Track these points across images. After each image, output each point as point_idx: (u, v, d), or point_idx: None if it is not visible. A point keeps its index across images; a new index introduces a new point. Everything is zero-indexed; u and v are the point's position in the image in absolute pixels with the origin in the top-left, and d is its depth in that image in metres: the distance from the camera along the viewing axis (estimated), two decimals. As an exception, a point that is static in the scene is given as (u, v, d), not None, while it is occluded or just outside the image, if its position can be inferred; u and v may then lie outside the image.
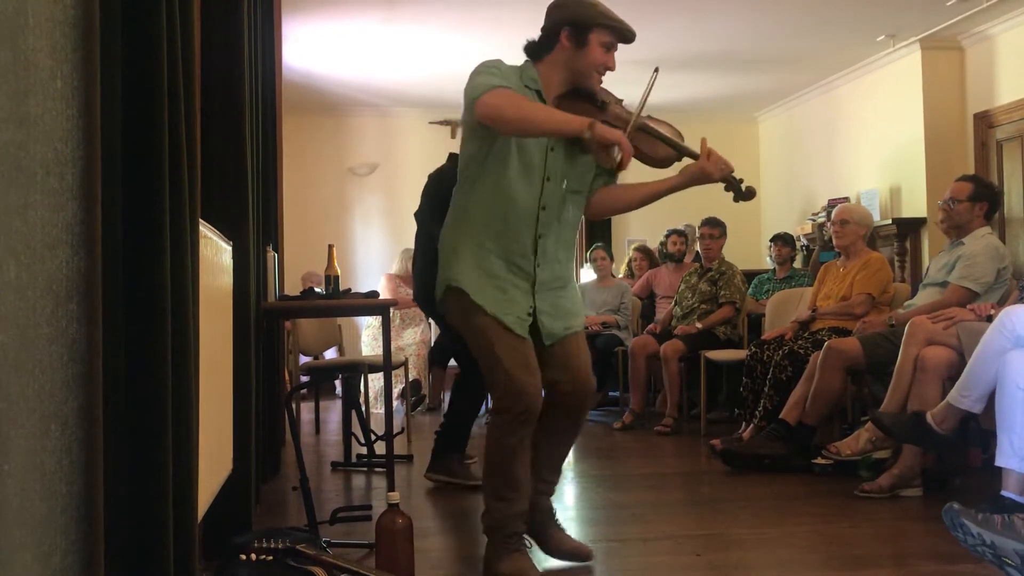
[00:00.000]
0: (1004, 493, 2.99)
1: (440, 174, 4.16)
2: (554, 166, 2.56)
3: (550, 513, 2.78)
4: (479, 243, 2.56)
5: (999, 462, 2.98)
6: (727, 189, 2.60)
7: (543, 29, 2.64)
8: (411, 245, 7.48)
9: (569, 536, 2.82)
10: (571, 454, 5.03)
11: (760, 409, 4.44)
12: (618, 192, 2.80)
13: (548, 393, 2.62)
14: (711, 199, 6.30)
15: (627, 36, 2.58)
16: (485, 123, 2.39)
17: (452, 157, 4.17)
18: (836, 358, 4.01)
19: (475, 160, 2.57)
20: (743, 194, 2.58)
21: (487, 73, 2.44)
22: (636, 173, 2.59)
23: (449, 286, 2.58)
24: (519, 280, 2.56)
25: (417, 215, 4.24)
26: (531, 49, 2.66)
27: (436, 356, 6.70)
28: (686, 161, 2.63)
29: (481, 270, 2.55)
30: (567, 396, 2.65)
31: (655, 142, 2.62)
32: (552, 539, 2.76)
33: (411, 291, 7.15)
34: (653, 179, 2.71)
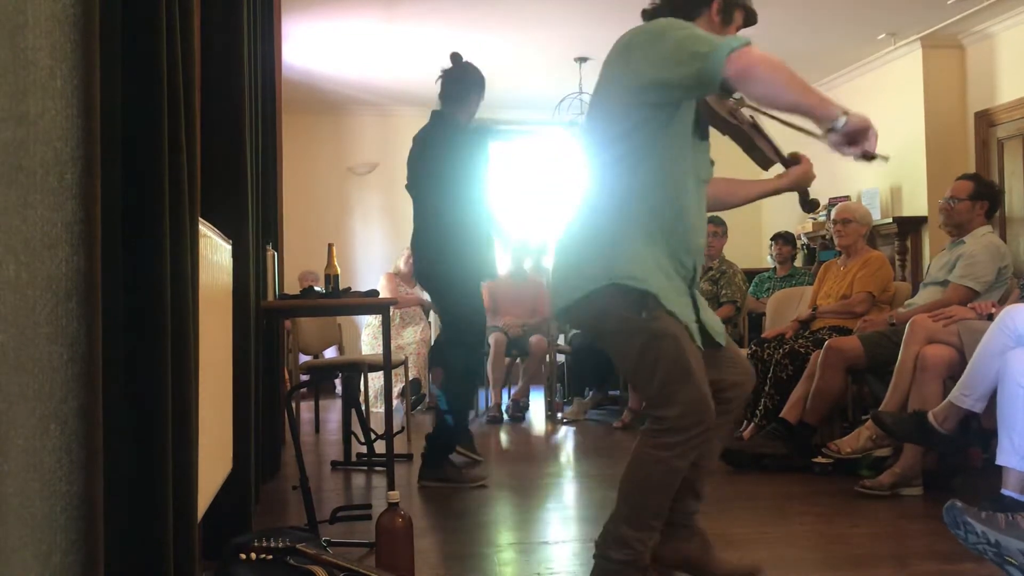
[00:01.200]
0: (1004, 491, 2.99)
1: (425, 136, 4.05)
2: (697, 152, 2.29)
3: (706, 535, 2.48)
4: (650, 236, 2.20)
5: (1000, 461, 2.98)
6: (801, 197, 2.57)
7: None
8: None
9: (726, 556, 2.49)
10: (571, 453, 5.06)
11: (760, 408, 4.44)
12: (728, 187, 2.56)
13: (715, 396, 2.24)
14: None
15: (753, 19, 2.46)
16: (737, 81, 1.98)
17: (435, 115, 4.07)
18: (837, 357, 4.01)
19: (638, 136, 2.18)
20: (810, 204, 2.57)
21: (696, 31, 2.10)
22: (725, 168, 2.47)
23: (617, 284, 2.16)
24: (681, 281, 2.27)
25: (409, 188, 4.11)
26: (680, 7, 2.30)
27: (435, 355, 6.69)
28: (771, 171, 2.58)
29: (661, 269, 2.20)
30: (738, 387, 2.39)
31: (765, 140, 2.48)
32: (718, 563, 2.43)
33: (411, 290, 7.19)
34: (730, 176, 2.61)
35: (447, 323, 4.10)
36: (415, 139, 4.12)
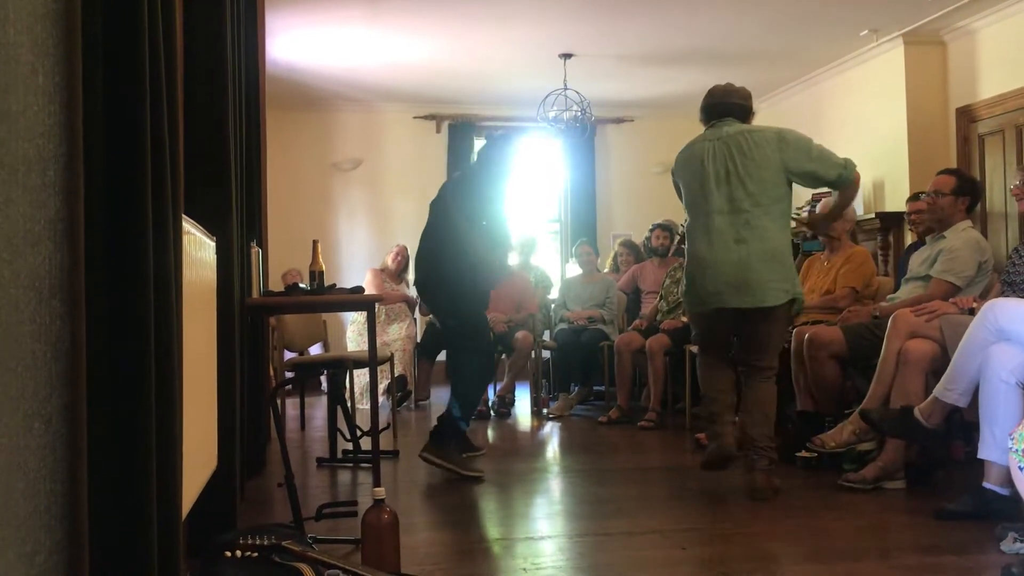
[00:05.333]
0: (986, 485, 3.02)
1: (464, 176, 4.44)
2: None
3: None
4: None
5: (981, 454, 3.00)
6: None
7: (745, 102, 3.79)
8: (395, 240, 7.55)
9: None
10: (556, 448, 5.07)
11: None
12: None
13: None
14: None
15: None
16: (852, 188, 3.64)
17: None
18: (819, 348, 4.04)
19: (787, 200, 3.61)
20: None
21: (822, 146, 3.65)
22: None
23: (796, 299, 3.57)
24: None
25: (437, 211, 4.30)
26: (742, 115, 3.73)
27: (425, 348, 6.68)
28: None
29: None
30: None
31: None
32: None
33: (396, 286, 7.18)
34: None
35: (457, 331, 4.20)
36: (452, 178, 4.57)
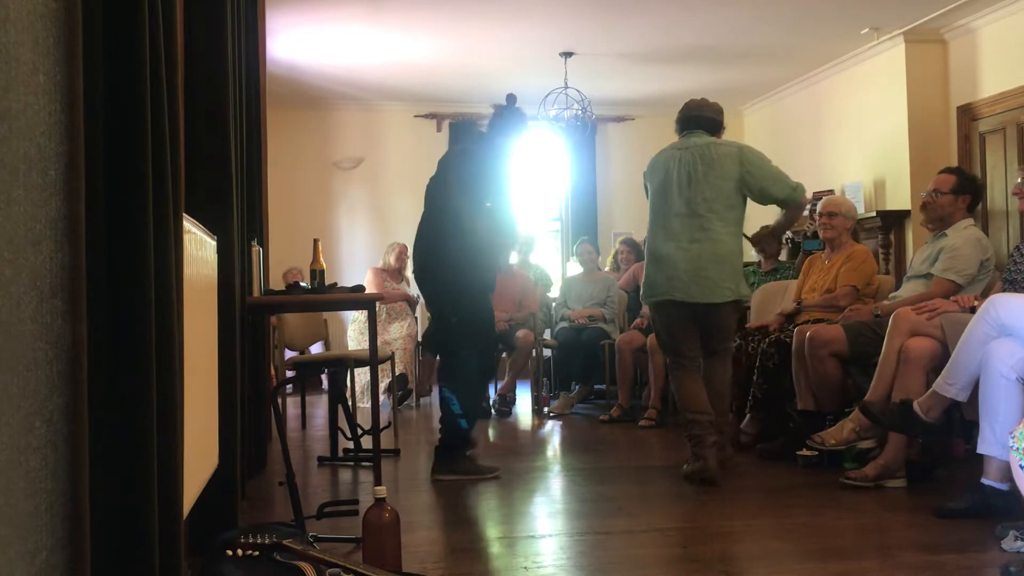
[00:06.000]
0: (985, 481, 3.02)
1: (462, 152, 4.21)
2: None
3: None
4: None
5: (981, 450, 3.00)
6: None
7: (716, 116, 4.10)
8: (396, 239, 7.54)
9: None
10: (557, 447, 5.07)
11: (750, 399, 4.47)
12: None
13: None
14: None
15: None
16: (798, 209, 4.03)
17: (478, 135, 4.32)
18: (820, 346, 4.04)
19: (740, 209, 3.92)
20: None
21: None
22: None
23: (740, 300, 3.92)
24: None
25: (432, 196, 4.12)
26: (711, 128, 4.07)
27: (429, 343, 6.66)
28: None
29: None
30: None
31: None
32: None
33: (396, 285, 7.17)
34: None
35: (457, 330, 4.01)
36: (452, 152, 4.26)
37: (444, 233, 3.96)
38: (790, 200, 3.90)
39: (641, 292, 4.18)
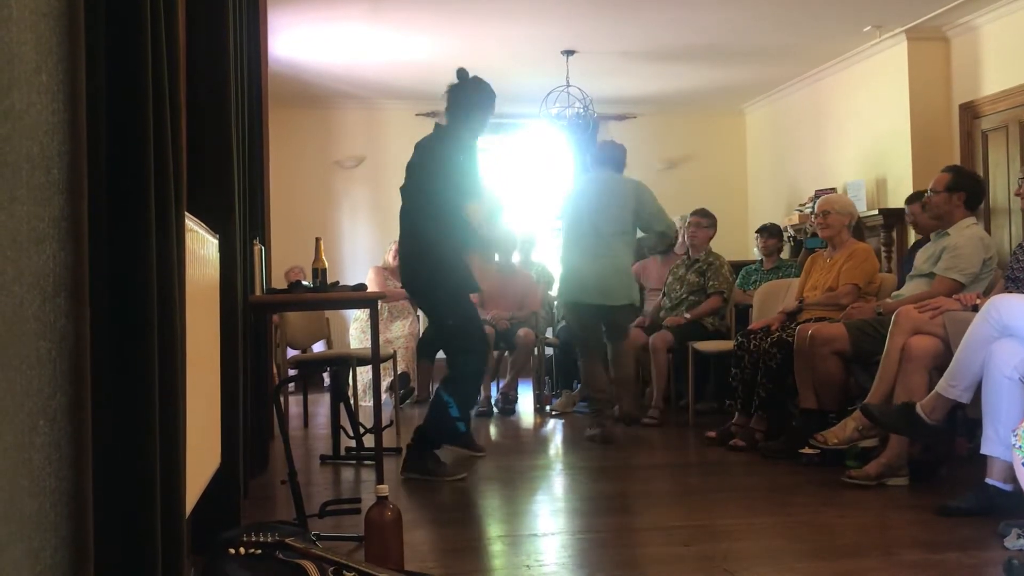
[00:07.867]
0: (989, 481, 3.02)
1: (425, 146, 4.06)
2: None
3: None
4: None
5: (984, 450, 3.00)
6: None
7: (622, 156, 5.10)
8: (397, 238, 7.52)
9: None
10: (559, 445, 5.07)
11: (755, 398, 4.46)
12: None
13: None
14: (696, 193, 6.39)
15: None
16: (669, 241, 5.67)
17: (437, 127, 4.17)
18: (822, 345, 4.03)
19: (632, 233, 5.00)
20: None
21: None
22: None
23: (633, 304, 5.11)
24: None
25: (404, 192, 4.06)
26: (615, 165, 5.07)
27: (423, 349, 6.69)
28: None
29: None
30: None
31: None
32: None
33: (399, 284, 7.16)
34: None
35: (453, 333, 4.00)
36: (416, 146, 4.12)
37: (412, 241, 3.96)
38: (663, 235, 5.22)
39: (556, 294, 5.23)
